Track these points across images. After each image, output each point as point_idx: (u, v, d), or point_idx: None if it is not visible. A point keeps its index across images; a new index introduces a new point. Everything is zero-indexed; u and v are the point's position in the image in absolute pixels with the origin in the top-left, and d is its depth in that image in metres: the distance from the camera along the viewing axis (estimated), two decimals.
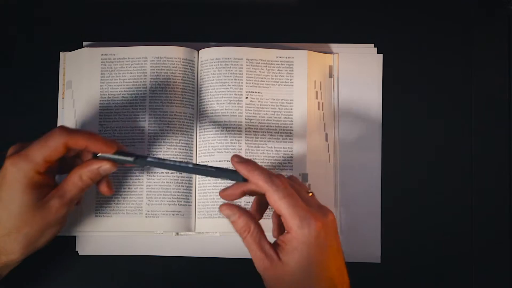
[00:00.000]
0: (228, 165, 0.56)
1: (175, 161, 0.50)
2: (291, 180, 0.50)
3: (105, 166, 0.50)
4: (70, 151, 0.50)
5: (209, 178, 0.56)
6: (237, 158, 0.49)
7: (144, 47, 0.58)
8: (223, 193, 0.50)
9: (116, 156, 0.50)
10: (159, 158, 0.51)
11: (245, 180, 0.49)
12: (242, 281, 0.58)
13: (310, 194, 0.50)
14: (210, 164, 0.53)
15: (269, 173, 0.47)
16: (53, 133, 0.48)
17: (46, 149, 0.48)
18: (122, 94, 0.58)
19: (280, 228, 0.52)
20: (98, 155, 0.50)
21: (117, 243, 0.58)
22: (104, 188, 0.52)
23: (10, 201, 0.48)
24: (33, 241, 0.49)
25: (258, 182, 0.47)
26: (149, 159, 0.50)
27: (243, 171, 0.48)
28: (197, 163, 0.57)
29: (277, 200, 0.46)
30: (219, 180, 0.56)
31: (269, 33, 0.61)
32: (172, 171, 0.56)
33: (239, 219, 0.47)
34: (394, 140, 0.59)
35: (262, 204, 0.52)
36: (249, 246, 0.47)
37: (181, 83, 0.58)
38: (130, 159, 0.50)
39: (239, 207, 0.48)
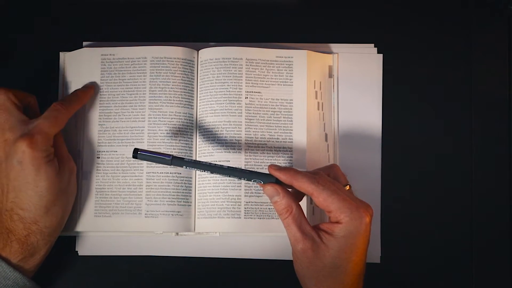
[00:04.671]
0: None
1: (210, 163, 0.51)
2: (332, 170, 0.52)
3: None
4: None
5: (209, 178, 0.56)
6: (275, 167, 0.50)
7: (143, 47, 0.58)
8: (276, 170, 0.50)
9: (155, 155, 0.51)
10: (194, 160, 0.52)
11: (278, 182, 0.50)
12: (242, 281, 0.58)
13: (348, 187, 0.51)
14: None
15: (311, 175, 0.49)
16: (59, 111, 0.53)
17: (57, 126, 0.53)
18: (122, 94, 0.58)
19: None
20: (138, 153, 0.51)
21: (117, 243, 0.58)
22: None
23: (38, 180, 0.50)
24: (66, 210, 0.54)
25: (303, 185, 0.48)
26: (185, 159, 0.51)
27: (284, 177, 0.49)
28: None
29: (326, 198, 0.47)
30: (219, 181, 0.56)
31: (268, 33, 0.61)
32: (172, 172, 0.56)
33: (282, 199, 0.49)
34: (394, 140, 0.59)
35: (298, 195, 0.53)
36: (289, 227, 0.49)
37: (181, 83, 0.58)
38: (167, 158, 0.51)
39: (282, 188, 0.49)
